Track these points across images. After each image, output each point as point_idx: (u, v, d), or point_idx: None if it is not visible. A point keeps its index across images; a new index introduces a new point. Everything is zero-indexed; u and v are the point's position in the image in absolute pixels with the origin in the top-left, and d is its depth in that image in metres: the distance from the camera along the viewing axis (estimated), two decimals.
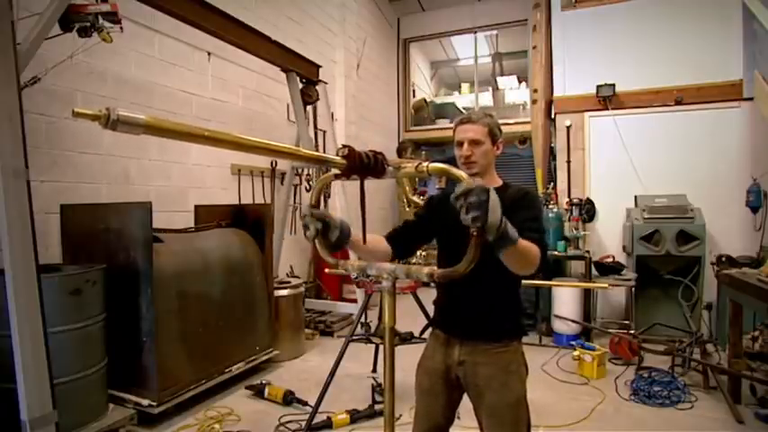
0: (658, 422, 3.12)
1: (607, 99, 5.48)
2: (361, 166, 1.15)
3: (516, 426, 1.63)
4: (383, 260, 1.63)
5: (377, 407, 3.10)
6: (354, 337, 3.30)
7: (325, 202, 5.76)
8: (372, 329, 3.62)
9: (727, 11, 5.06)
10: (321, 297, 5.79)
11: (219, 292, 3.51)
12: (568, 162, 5.75)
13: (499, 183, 1.71)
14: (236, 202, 4.76)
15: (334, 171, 1.21)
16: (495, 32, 8.99)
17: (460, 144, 1.67)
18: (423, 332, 3.20)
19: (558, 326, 4.74)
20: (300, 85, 4.65)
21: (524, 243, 1.30)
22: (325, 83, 5.04)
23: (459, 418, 2.26)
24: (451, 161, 1.61)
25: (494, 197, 1.10)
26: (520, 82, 9.71)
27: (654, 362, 3.96)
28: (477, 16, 8.44)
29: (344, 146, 1.15)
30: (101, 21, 2.70)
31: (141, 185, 3.82)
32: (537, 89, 5.88)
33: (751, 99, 4.93)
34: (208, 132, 0.87)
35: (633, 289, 4.67)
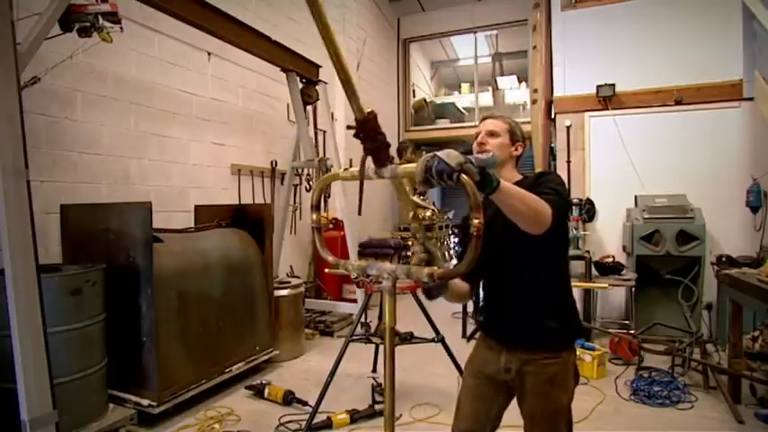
0: (658, 422, 3.12)
1: (607, 99, 5.47)
2: (375, 132, 1.13)
3: None
4: (467, 297, 1.70)
5: (377, 407, 3.09)
6: (354, 337, 3.30)
7: (325, 202, 5.76)
8: (372, 329, 3.62)
9: (727, 11, 5.05)
10: (321, 297, 5.79)
11: (219, 292, 3.51)
12: (568, 162, 5.74)
13: (519, 177, 1.69)
14: (236, 202, 4.76)
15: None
16: (495, 32, 9.00)
17: (478, 135, 1.70)
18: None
19: None
20: (300, 85, 4.65)
21: (522, 191, 1.30)
22: (326, 83, 5.04)
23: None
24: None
25: (444, 151, 1.13)
26: (520, 82, 9.72)
27: (654, 362, 3.96)
28: (477, 16, 8.44)
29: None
30: (101, 21, 2.70)
31: (141, 185, 3.82)
32: (537, 89, 5.87)
33: (751, 99, 4.93)
34: None
35: (633, 289, 4.66)
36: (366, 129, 1.11)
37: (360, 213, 1.41)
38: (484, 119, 1.75)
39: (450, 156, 1.11)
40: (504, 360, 1.63)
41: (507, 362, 1.62)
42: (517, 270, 1.57)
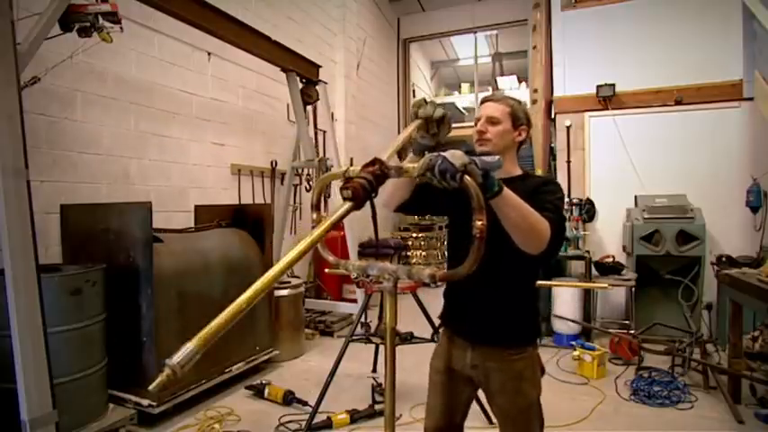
0: (658, 422, 3.12)
1: (607, 99, 5.48)
2: (366, 194, 1.13)
3: (528, 429, 1.61)
4: (399, 200, 1.59)
5: (377, 407, 3.09)
6: (354, 337, 3.30)
7: (325, 202, 5.76)
8: (372, 329, 3.62)
9: (727, 11, 5.06)
10: (321, 297, 5.79)
11: (219, 292, 3.51)
12: (568, 162, 5.74)
13: (519, 172, 1.63)
14: (236, 202, 4.76)
15: (347, 203, 1.16)
16: (495, 32, 9.01)
17: (477, 121, 1.61)
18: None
19: (558, 326, 4.74)
20: (300, 85, 4.65)
21: (522, 203, 1.27)
22: (325, 83, 5.04)
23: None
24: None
25: (449, 151, 1.11)
26: (520, 82, 9.73)
27: (654, 362, 3.96)
28: (477, 16, 8.45)
29: (346, 183, 1.13)
30: (101, 21, 2.69)
31: (141, 185, 3.82)
32: (537, 89, 5.88)
33: (751, 99, 4.93)
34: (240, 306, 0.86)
35: (633, 289, 4.67)
36: (363, 203, 1.12)
37: (377, 240, 1.42)
38: (483, 100, 1.65)
39: (455, 156, 1.10)
40: (470, 357, 1.60)
41: (473, 358, 1.60)
42: (494, 271, 1.47)
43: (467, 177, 1.09)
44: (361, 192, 1.10)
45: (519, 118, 1.60)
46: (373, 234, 1.28)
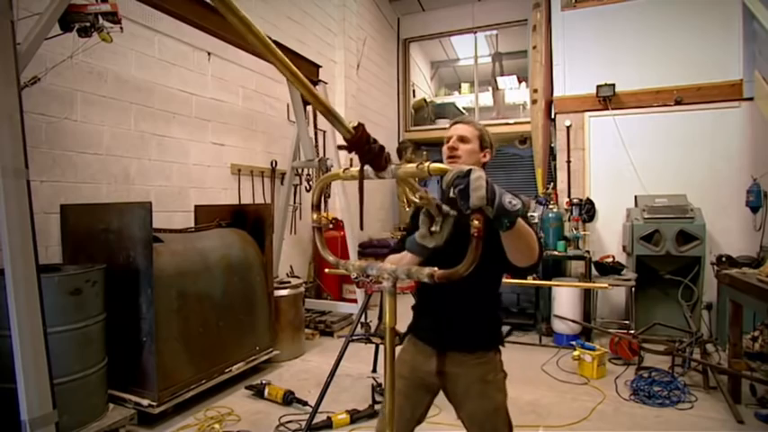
0: (658, 422, 3.12)
1: (607, 99, 5.48)
2: (366, 144, 1.11)
3: None
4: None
5: (377, 407, 3.10)
6: (354, 337, 3.30)
7: (325, 201, 5.76)
8: (372, 329, 3.63)
9: (727, 11, 5.06)
10: (321, 297, 5.79)
11: (219, 292, 3.51)
12: (568, 162, 5.75)
13: None
14: (236, 202, 4.76)
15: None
16: (495, 32, 9.00)
17: (449, 140, 1.72)
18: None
19: (558, 326, 4.74)
20: None
21: (526, 229, 1.32)
22: (326, 83, 5.04)
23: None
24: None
25: (476, 175, 1.07)
26: (520, 82, 9.71)
27: (654, 362, 3.96)
28: (477, 16, 8.45)
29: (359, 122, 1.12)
30: (101, 21, 2.70)
31: (141, 185, 3.82)
32: (537, 89, 5.87)
33: (751, 99, 4.94)
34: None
35: (633, 289, 4.67)
36: (357, 144, 1.10)
37: (362, 228, 1.41)
38: (454, 123, 1.77)
39: (479, 187, 1.07)
40: (435, 363, 1.67)
41: (438, 365, 1.66)
42: (465, 281, 1.41)
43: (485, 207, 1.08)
44: (364, 134, 1.09)
45: (485, 140, 1.72)
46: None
